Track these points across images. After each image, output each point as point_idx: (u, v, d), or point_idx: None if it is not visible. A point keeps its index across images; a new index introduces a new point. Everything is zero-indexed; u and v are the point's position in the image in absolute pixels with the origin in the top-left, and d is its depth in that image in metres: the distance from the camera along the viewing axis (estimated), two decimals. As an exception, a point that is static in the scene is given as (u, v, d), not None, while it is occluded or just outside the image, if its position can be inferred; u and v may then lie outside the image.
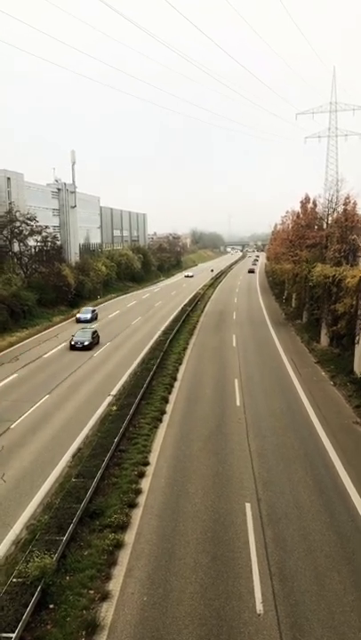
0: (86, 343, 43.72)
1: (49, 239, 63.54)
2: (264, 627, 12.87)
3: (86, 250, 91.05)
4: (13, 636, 11.76)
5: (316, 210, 54.30)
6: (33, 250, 62.64)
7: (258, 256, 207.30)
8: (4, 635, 11.76)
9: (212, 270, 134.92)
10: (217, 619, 13.15)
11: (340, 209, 47.92)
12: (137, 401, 28.23)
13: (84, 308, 61.66)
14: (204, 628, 12.86)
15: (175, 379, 34.68)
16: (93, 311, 60.45)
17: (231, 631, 12.74)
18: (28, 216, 60.51)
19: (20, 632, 12.06)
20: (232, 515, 17.97)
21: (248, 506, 18.49)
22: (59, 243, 70.42)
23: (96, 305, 71.70)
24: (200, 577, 14.75)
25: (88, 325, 52.40)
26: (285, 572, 14.93)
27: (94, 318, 58.91)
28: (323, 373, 36.97)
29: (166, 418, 27.51)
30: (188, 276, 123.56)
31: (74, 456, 22.66)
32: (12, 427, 26.04)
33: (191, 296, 78.84)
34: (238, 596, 13.93)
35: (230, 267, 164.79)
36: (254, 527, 17.16)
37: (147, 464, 21.82)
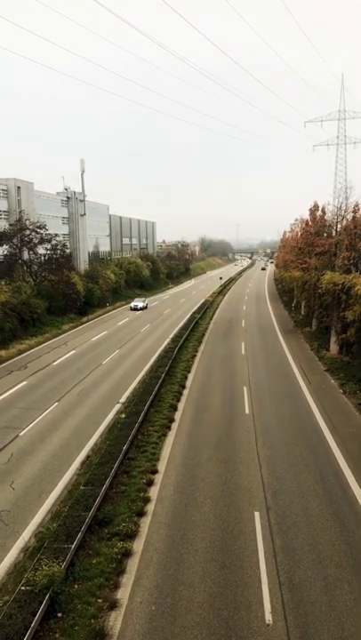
0: None
1: (58, 247, 63.80)
2: (273, 637, 12.76)
3: (95, 258, 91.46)
4: (21, 644, 11.74)
5: (325, 217, 54.17)
6: (42, 258, 62.94)
7: (267, 262, 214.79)
8: (13, 643, 11.74)
9: (220, 278, 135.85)
10: (226, 628, 13.05)
11: (350, 216, 47.78)
12: (146, 409, 28.19)
13: None
14: (212, 637, 12.77)
15: (184, 386, 34.64)
16: None
17: (240, 641, 12.64)
18: (38, 224, 60.90)
19: (29, 640, 12.04)
20: (241, 523, 17.87)
21: (257, 514, 18.38)
22: (68, 251, 70.75)
23: (105, 312, 71.95)
24: (209, 586, 14.66)
25: None
26: (295, 581, 14.82)
27: None
28: (332, 381, 36.77)
29: (175, 426, 27.46)
30: (134, 309, 75.49)
31: (82, 464, 22.67)
32: (21, 434, 26.11)
33: (200, 304, 78.82)
34: (247, 606, 13.83)
35: (240, 273, 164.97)
36: (263, 536, 17.06)
37: (155, 472, 21.78)
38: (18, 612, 12.60)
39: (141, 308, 75.43)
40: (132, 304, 76.72)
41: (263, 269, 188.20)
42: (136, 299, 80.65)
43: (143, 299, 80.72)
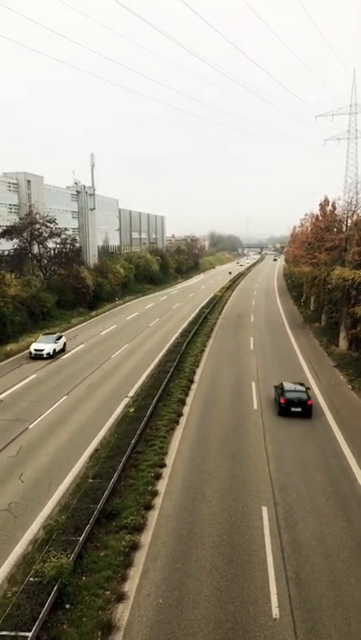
0: None
1: (68, 241, 63.99)
2: (280, 631, 12.79)
3: (105, 252, 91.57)
4: (30, 634, 11.85)
5: (336, 212, 53.84)
6: (52, 252, 63.17)
7: (277, 255, 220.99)
8: (21, 633, 11.86)
9: (230, 273, 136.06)
10: (232, 622, 13.10)
11: (360, 211, 47.48)
12: (154, 403, 28.28)
13: None
14: (219, 631, 12.82)
15: (192, 381, 34.67)
16: None
17: (247, 635, 12.68)
18: (48, 218, 61.08)
19: (37, 631, 12.15)
20: (248, 518, 17.90)
21: (265, 509, 18.39)
22: (78, 245, 70.92)
23: (114, 307, 72.05)
24: (216, 580, 14.71)
25: None
26: (302, 576, 14.83)
27: None
28: (341, 377, 36.63)
29: (183, 420, 27.50)
30: (37, 355, 40.92)
31: (91, 457, 22.78)
32: (31, 427, 26.27)
33: (209, 299, 78.71)
34: (254, 600, 13.86)
35: (249, 269, 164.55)
36: (271, 531, 17.07)
37: (163, 466, 21.84)
38: (26, 603, 12.71)
39: (49, 355, 40.94)
40: (34, 347, 41.46)
41: (275, 260, 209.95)
42: (42, 337, 43.84)
43: (57, 335, 44.72)
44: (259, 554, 15.86)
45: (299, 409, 27.79)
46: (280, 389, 28.98)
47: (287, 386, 29.07)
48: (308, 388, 29.96)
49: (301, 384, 30.14)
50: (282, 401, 27.99)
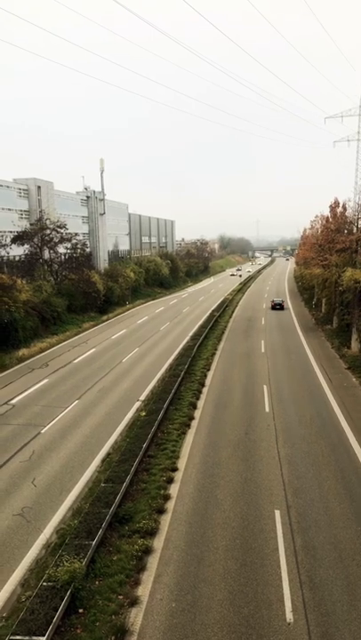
0: None
1: (78, 246, 64.31)
2: (294, 636, 12.70)
3: (115, 256, 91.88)
4: (44, 639, 11.88)
5: (346, 214, 53.65)
6: (63, 257, 63.51)
7: (288, 257, 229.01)
8: (35, 638, 11.89)
9: (240, 275, 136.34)
10: (246, 626, 13.03)
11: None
12: (165, 407, 28.27)
13: None
14: (233, 635, 12.76)
15: (203, 385, 34.61)
16: None
17: (261, 639, 12.61)
18: (58, 224, 61.43)
19: (51, 635, 12.17)
20: (261, 522, 17.81)
21: (278, 513, 18.30)
22: (88, 250, 71.27)
23: (125, 311, 72.25)
24: (229, 584, 14.65)
25: None
26: (316, 580, 14.72)
27: None
28: (354, 379, 36.40)
29: (195, 424, 27.47)
30: None
31: (103, 461, 22.81)
32: (43, 432, 26.38)
33: (219, 302, 78.67)
34: (268, 604, 13.78)
35: (260, 271, 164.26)
36: (284, 534, 16.98)
37: (175, 470, 21.82)
38: (40, 608, 12.74)
39: None
40: None
41: (287, 260, 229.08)
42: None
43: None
44: (272, 557, 15.77)
45: (279, 307, 73.35)
46: (272, 300, 75.60)
47: (275, 298, 78.75)
48: (282, 300, 76.09)
49: (280, 299, 77.36)
50: (272, 303, 74.27)
